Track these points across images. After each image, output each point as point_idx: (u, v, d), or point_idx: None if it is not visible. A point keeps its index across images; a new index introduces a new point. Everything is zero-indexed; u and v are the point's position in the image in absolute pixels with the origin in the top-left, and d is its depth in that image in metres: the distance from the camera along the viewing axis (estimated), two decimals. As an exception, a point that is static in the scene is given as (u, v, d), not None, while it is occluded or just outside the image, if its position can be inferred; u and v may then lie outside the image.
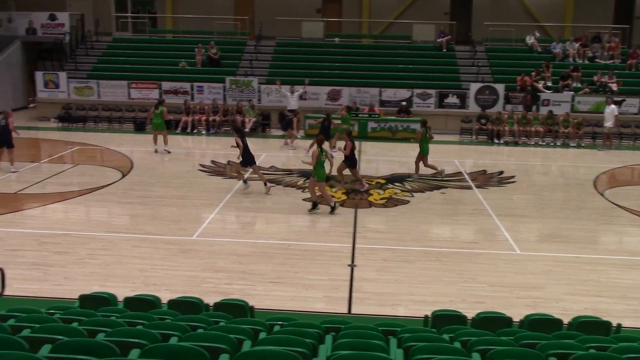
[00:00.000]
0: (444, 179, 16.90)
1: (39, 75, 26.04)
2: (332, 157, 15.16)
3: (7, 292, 8.48)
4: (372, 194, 15.20)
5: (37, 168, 17.43)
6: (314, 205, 13.62)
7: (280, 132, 22.81)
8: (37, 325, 5.37)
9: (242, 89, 25.24)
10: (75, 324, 5.57)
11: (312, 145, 15.68)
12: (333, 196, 14.41)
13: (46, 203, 14.03)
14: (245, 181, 15.27)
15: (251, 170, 15.53)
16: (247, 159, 15.08)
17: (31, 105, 28.19)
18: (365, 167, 18.07)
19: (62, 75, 25.86)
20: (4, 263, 9.24)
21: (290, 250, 11.28)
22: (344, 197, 14.93)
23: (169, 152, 19.68)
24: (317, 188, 13.70)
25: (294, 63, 27.09)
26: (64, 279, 9.79)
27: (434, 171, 17.14)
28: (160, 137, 19.85)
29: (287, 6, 30.74)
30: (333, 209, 13.50)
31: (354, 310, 9.01)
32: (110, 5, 32.17)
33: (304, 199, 14.54)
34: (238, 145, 14.79)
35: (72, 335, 5.00)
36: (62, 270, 10.13)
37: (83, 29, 28.88)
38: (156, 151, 19.62)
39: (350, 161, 15.48)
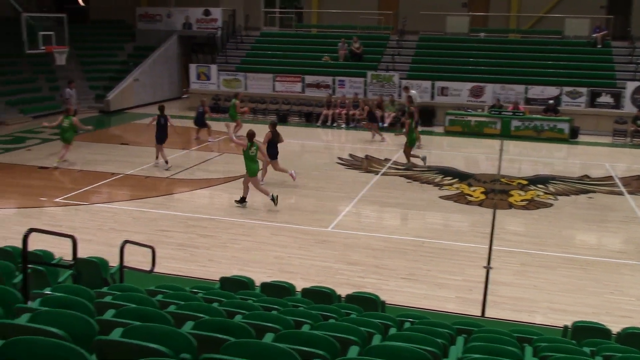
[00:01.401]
0: (584, 182, 15.94)
1: (192, 68, 27.68)
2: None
3: (156, 269, 9.13)
4: (512, 195, 14.67)
5: (187, 155, 18.54)
6: (242, 200, 13.28)
7: (421, 128, 22.52)
8: (182, 303, 5.72)
9: (383, 84, 25.28)
10: (215, 304, 5.87)
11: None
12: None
13: (194, 188, 14.91)
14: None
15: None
16: (160, 137, 16.34)
17: (184, 96, 29.99)
18: (507, 167, 17.45)
19: (213, 68, 27.29)
20: (155, 242, 9.96)
21: (424, 247, 11.17)
22: (482, 197, 14.52)
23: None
24: (250, 184, 13.29)
25: (437, 58, 26.64)
26: (208, 261, 10.37)
27: (407, 162, 17.29)
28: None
29: (432, 0, 30.30)
30: (273, 200, 13.11)
31: (487, 314, 8.78)
32: (260, 1, 33.50)
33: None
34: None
35: (213, 314, 5.27)
36: (206, 252, 10.74)
37: (234, 24, 30.27)
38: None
39: (272, 152, 14.85)
